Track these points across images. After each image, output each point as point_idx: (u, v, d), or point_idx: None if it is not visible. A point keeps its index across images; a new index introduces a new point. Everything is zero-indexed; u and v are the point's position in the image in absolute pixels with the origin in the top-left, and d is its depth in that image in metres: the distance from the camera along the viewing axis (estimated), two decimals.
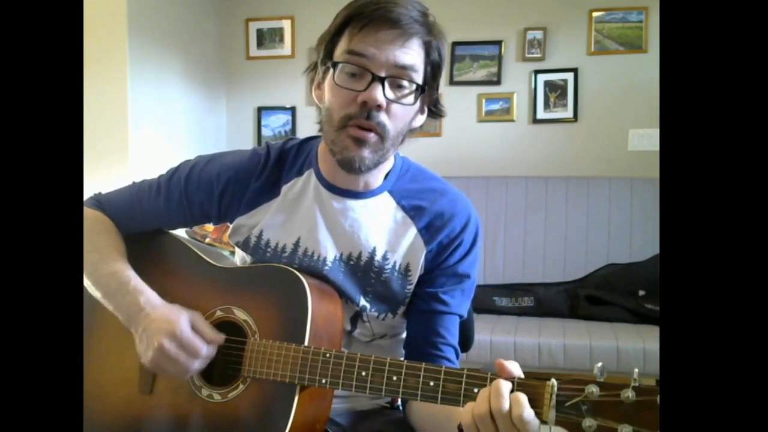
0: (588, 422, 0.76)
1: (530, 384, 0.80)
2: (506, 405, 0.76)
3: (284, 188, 1.08)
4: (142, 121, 2.95)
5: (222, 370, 1.01)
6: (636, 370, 0.78)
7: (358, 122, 0.95)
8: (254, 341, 0.98)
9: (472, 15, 3.39)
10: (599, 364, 0.78)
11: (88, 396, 1.08)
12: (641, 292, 2.90)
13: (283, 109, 3.64)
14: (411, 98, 0.97)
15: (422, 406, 1.01)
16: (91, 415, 1.07)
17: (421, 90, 0.97)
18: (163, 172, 1.16)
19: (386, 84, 0.94)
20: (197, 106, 3.47)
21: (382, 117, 0.95)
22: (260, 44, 3.64)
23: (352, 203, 1.05)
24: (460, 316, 1.08)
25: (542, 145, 3.34)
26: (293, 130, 3.62)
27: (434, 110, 1.07)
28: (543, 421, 0.78)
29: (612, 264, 3.03)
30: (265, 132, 3.65)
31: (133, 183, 1.20)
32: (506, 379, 0.80)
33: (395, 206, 1.06)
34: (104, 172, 2.76)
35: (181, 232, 1.20)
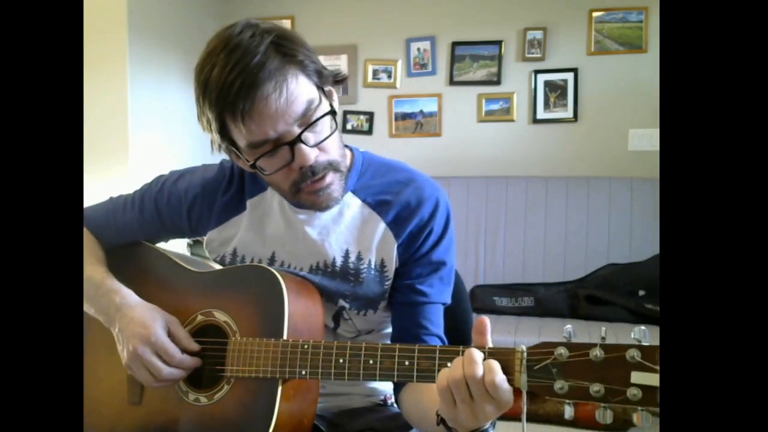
0: (559, 384, 0.77)
1: (501, 351, 0.81)
2: (479, 371, 0.78)
3: (249, 203, 1.09)
4: (142, 121, 2.95)
5: (208, 372, 1.01)
6: (603, 327, 0.79)
7: (309, 183, 0.95)
8: (235, 341, 0.98)
9: (472, 15, 3.39)
10: (568, 326, 0.80)
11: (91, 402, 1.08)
12: (641, 292, 2.90)
13: None
14: (332, 125, 0.94)
15: (410, 397, 1.03)
16: (85, 429, 1.06)
17: (331, 112, 0.94)
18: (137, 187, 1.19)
19: (302, 137, 0.90)
20: None
21: (322, 158, 0.94)
22: None
23: (319, 212, 1.05)
24: (444, 304, 1.08)
25: (542, 145, 3.34)
26: None
27: (339, 82, 1.00)
28: (515, 388, 0.79)
29: (612, 264, 3.03)
30: None
31: (111, 198, 1.22)
32: (477, 347, 0.82)
33: (360, 204, 1.05)
34: (104, 173, 2.76)
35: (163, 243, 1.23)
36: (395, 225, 1.04)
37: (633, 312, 2.82)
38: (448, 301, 1.09)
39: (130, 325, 1.00)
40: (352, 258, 1.04)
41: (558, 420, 2.52)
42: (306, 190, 0.96)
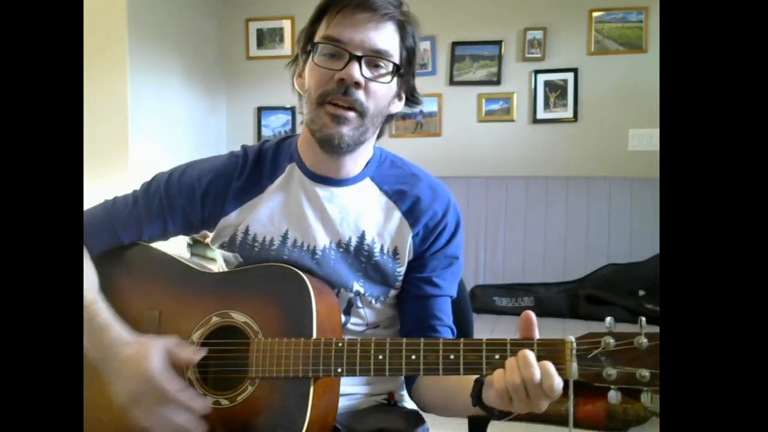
0: (608, 371, 0.82)
1: (550, 343, 0.87)
2: (537, 375, 0.82)
3: (269, 188, 1.08)
4: (142, 121, 2.95)
5: (224, 374, 0.99)
6: (642, 318, 0.83)
7: (335, 98, 0.98)
8: (259, 341, 0.97)
9: (472, 15, 3.39)
10: (609, 318, 0.85)
11: (89, 420, 1.01)
12: (641, 292, 2.90)
13: (283, 109, 3.64)
14: (388, 77, 1.01)
15: (432, 385, 1.05)
16: None
17: (396, 69, 1.01)
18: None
19: (363, 63, 0.98)
20: (197, 106, 3.47)
21: (360, 95, 0.98)
22: (260, 44, 3.64)
23: (337, 190, 1.07)
24: (451, 297, 1.13)
25: (542, 145, 3.34)
26: (293, 129, 3.62)
27: (411, 98, 1.10)
28: (565, 378, 0.83)
29: (612, 264, 3.03)
30: (265, 132, 3.65)
31: (106, 200, 1.16)
32: (525, 340, 0.88)
33: (378, 192, 1.09)
34: (104, 173, 2.76)
35: (165, 246, 1.16)
36: (410, 215, 1.08)
37: (633, 312, 2.82)
38: (455, 294, 1.13)
39: (122, 368, 0.94)
40: (367, 241, 1.07)
41: (558, 420, 2.51)
42: (328, 109, 0.99)
